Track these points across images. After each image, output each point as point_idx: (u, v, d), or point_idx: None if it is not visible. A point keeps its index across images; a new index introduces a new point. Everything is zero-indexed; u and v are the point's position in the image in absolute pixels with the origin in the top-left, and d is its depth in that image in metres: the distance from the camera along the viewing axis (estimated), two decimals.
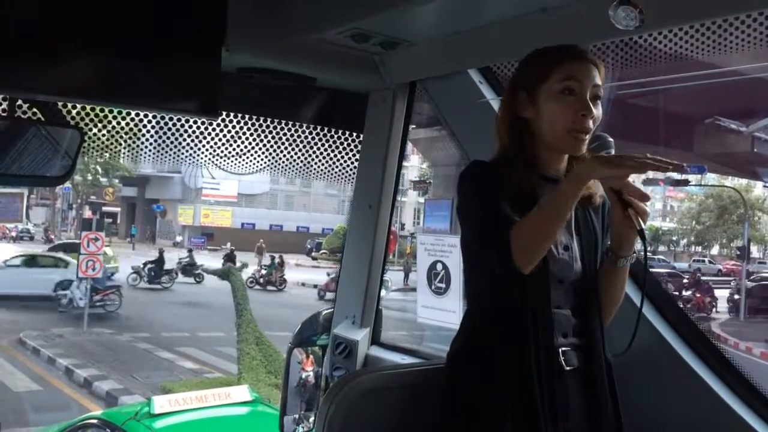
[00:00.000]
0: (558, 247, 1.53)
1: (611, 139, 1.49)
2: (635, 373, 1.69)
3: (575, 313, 1.56)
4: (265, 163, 2.53)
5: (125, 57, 1.71)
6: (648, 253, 1.52)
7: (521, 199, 1.51)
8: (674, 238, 46.55)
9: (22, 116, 1.86)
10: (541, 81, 1.53)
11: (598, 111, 1.52)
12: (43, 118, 1.91)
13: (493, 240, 1.48)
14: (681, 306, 1.82)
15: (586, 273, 1.57)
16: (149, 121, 2.20)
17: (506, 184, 1.52)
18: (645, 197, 1.46)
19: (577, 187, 1.44)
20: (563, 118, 1.51)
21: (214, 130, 2.33)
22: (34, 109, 1.89)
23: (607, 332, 1.58)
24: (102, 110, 2.11)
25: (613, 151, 1.48)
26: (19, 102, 1.84)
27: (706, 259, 38.03)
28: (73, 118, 2.04)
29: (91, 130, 2.14)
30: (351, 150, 2.56)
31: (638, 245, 1.53)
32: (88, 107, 2.05)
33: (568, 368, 1.52)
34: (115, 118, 2.18)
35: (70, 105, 2.01)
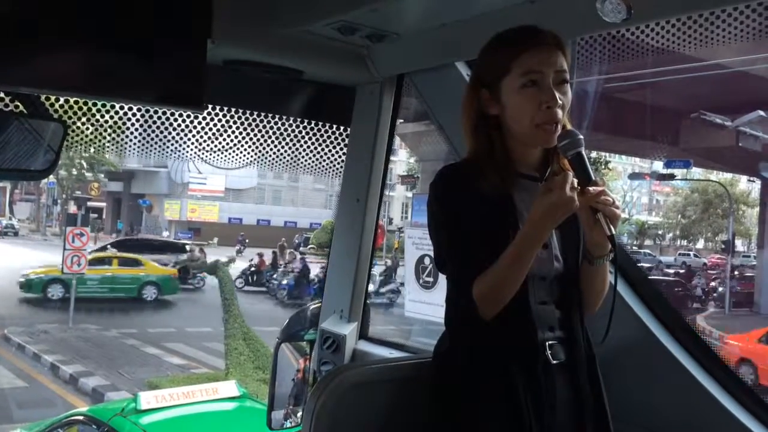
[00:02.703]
0: None
1: (581, 137, 1.43)
2: (623, 366, 1.70)
3: (559, 307, 1.55)
4: (252, 157, 2.51)
5: (109, 49, 1.69)
6: (634, 247, 1.51)
7: (496, 201, 1.49)
8: (660, 232, 46.93)
9: (4, 109, 1.83)
10: (501, 77, 1.49)
11: (566, 96, 1.48)
12: (25, 111, 1.88)
13: (456, 284, 1.52)
14: (667, 299, 1.83)
15: (568, 268, 1.55)
16: (134, 115, 2.18)
17: (479, 188, 1.49)
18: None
19: (540, 236, 1.43)
20: (528, 112, 1.46)
21: (200, 123, 2.31)
22: (17, 102, 1.86)
23: (593, 325, 1.58)
24: (86, 103, 2.09)
25: (582, 150, 1.43)
26: (1, 95, 1.82)
27: (691, 253, 38.36)
28: (56, 111, 2.01)
29: (74, 123, 2.11)
30: (338, 144, 2.55)
31: (624, 237, 1.51)
32: (71, 100, 2.02)
33: (555, 362, 1.51)
34: (99, 111, 2.15)
35: (53, 98, 1.98)
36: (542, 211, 1.41)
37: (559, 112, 1.46)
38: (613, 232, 1.42)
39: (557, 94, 1.46)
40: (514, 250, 1.43)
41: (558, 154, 1.50)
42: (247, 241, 34.16)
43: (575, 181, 1.41)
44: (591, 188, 1.41)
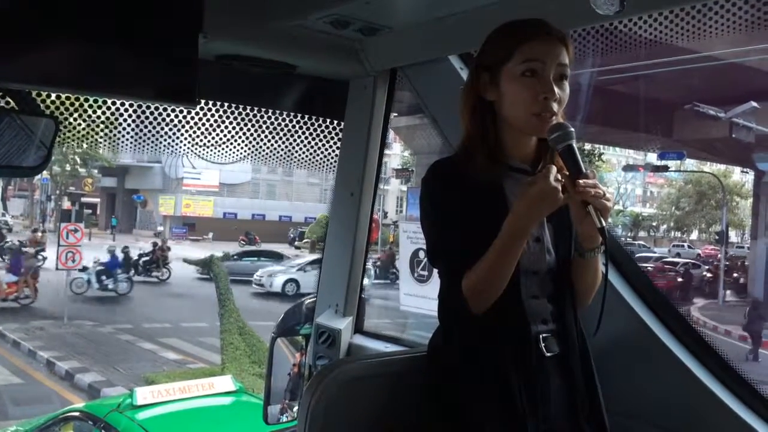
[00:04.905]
0: (529, 239, 1.49)
1: (572, 129, 1.42)
2: (617, 358, 1.71)
3: (552, 301, 1.54)
4: (245, 152, 2.50)
5: (100, 44, 1.68)
6: (628, 239, 1.50)
7: (487, 193, 1.49)
8: (654, 224, 47.06)
9: None
10: (502, 62, 1.48)
11: (564, 91, 1.47)
12: (16, 107, 1.87)
13: (447, 278, 1.52)
14: (661, 291, 1.83)
15: (559, 261, 1.55)
16: (126, 110, 2.17)
17: (470, 180, 1.48)
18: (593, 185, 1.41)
19: (526, 228, 1.43)
20: (524, 101, 1.46)
21: (193, 118, 2.30)
22: (7, 98, 1.85)
23: (588, 318, 1.58)
24: (77, 99, 2.07)
25: (573, 143, 1.42)
26: None
27: (685, 244, 38.47)
28: (47, 107, 2.00)
29: (66, 119, 2.10)
30: (332, 138, 2.54)
31: (619, 229, 1.51)
32: (62, 96, 2.01)
33: (548, 354, 1.51)
34: (91, 107, 2.14)
35: (44, 94, 1.97)
36: (526, 202, 1.41)
37: (555, 105, 1.46)
38: (604, 224, 1.41)
39: (555, 88, 1.46)
40: (500, 243, 1.42)
41: (551, 149, 1.50)
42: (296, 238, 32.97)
43: (559, 175, 1.41)
44: (581, 180, 1.41)
